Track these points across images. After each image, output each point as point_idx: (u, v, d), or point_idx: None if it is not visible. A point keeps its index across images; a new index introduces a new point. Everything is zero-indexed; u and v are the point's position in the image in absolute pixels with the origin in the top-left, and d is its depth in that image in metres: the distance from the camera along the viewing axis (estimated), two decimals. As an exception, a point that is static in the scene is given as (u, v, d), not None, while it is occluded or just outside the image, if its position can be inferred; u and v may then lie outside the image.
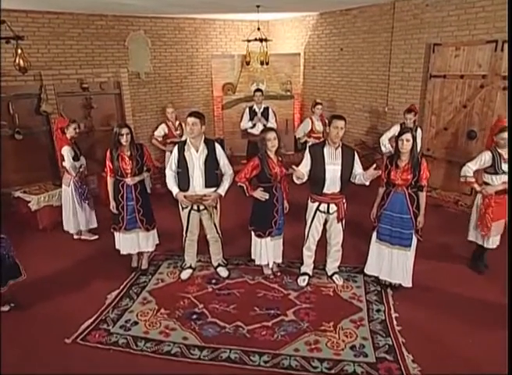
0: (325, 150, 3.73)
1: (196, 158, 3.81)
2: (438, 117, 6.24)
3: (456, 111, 6.06)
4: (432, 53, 6.13)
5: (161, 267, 4.48)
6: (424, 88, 6.35)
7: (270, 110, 6.46)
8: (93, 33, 6.91)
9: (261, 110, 6.39)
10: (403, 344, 3.23)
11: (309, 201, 3.92)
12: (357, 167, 3.78)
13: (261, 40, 6.86)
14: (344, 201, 3.86)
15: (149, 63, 7.57)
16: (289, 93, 8.26)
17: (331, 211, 3.83)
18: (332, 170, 3.69)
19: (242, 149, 7.13)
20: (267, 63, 7.00)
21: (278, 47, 8.60)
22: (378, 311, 3.65)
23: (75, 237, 5.11)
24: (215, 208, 4.04)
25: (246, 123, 6.45)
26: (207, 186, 3.86)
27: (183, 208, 4.00)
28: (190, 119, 3.68)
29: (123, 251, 4.32)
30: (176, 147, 3.89)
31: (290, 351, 3.20)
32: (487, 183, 3.96)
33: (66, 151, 4.72)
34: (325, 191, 3.74)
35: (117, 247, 4.33)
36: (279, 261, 4.21)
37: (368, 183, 3.72)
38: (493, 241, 4.06)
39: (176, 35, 7.79)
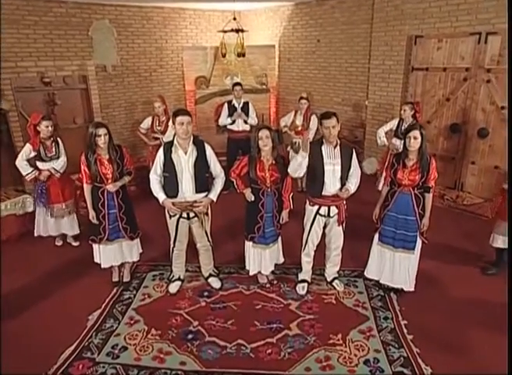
0: (323, 149, 3.44)
1: (185, 161, 3.41)
2: (420, 110, 6.11)
3: (439, 104, 5.97)
4: (413, 45, 5.99)
5: (145, 280, 4.05)
6: (405, 81, 6.22)
7: (250, 105, 6.09)
8: (51, 22, 6.27)
9: (241, 105, 6.01)
10: (418, 355, 3.02)
11: (307, 204, 3.62)
12: (353, 169, 3.51)
13: (237, 30, 6.47)
14: (345, 202, 3.61)
15: (115, 55, 7.00)
16: (264, 86, 7.92)
17: (331, 214, 3.56)
18: (332, 171, 3.41)
19: (217, 146, 6.65)
20: (243, 55, 6.62)
21: (251, 38, 8.21)
22: (385, 318, 3.43)
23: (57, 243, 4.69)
24: (206, 214, 3.67)
25: (225, 119, 6.05)
26: (197, 191, 3.48)
27: (170, 217, 3.59)
28: (183, 118, 3.27)
29: (105, 265, 3.88)
30: (162, 148, 3.47)
31: (301, 370, 2.91)
32: None
33: (25, 149, 4.24)
34: (325, 193, 3.46)
35: (96, 260, 3.87)
36: (266, 273, 3.87)
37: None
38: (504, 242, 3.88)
39: (144, 25, 7.25)
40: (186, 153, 3.41)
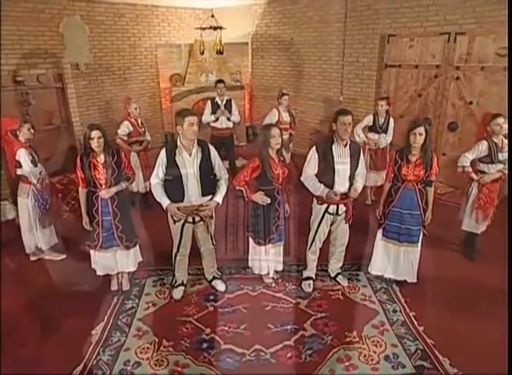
0: (334, 148, 3.22)
1: (189, 163, 3.06)
2: (394, 106, 6.03)
3: (411, 100, 5.93)
4: (386, 43, 5.89)
5: (146, 287, 3.66)
6: (379, 78, 6.13)
7: (233, 102, 5.74)
8: (18, 17, 5.55)
9: (224, 102, 5.64)
10: (433, 346, 2.90)
11: (315, 203, 3.40)
12: (360, 167, 3.32)
13: (215, 28, 6.07)
14: (352, 200, 3.40)
15: (88, 53, 6.37)
16: (239, 83, 7.59)
17: (340, 212, 3.36)
18: (342, 170, 3.20)
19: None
20: (222, 52, 6.24)
21: (223, 36, 7.76)
22: (394, 311, 3.29)
23: (32, 258, 4.03)
24: (211, 217, 3.35)
25: (208, 117, 5.65)
26: (203, 194, 3.15)
27: (174, 222, 3.23)
28: (192, 119, 2.94)
29: (100, 272, 3.48)
30: (164, 151, 3.10)
31: (325, 372, 2.70)
32: (483, 172, 3.80)
33: (23, 154, 3.63)
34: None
35: (93, 266, 3.46)
36: (280, 268, 3.65)
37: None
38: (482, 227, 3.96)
39: (116, 22, 6.65)
40: (190, 155, 3.07)
